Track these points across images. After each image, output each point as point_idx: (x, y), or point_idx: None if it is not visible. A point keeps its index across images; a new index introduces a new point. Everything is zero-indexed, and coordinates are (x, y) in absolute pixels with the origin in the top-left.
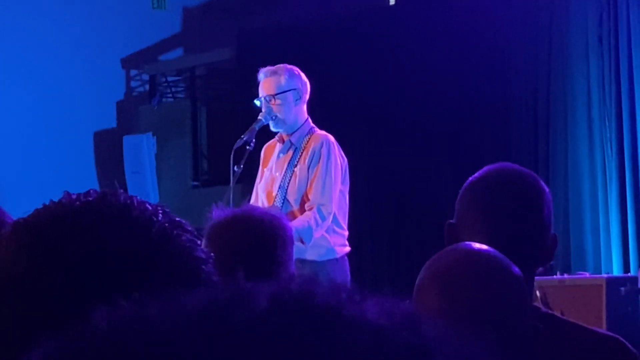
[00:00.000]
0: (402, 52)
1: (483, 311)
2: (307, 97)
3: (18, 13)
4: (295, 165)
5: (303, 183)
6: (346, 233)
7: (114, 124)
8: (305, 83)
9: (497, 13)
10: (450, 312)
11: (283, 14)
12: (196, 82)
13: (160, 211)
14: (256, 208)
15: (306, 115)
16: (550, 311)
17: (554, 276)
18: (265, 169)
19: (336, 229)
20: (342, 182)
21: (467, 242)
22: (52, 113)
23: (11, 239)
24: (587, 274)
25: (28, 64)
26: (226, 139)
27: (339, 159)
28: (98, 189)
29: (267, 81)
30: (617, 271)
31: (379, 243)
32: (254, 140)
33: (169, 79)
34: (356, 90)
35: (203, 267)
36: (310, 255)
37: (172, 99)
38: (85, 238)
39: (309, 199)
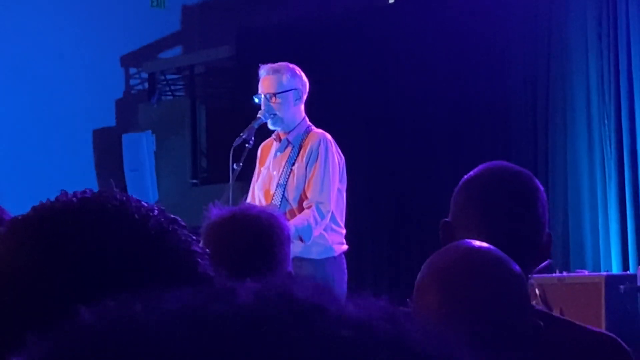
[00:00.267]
0: (401, 51)
1: (484, 309)
2: (306, 97)
3: (17, 11)
4: (293, 164)
5: (301, 181)
6: (344, 231)
7: (113, 122)
8: (305, 83)
9: (497, 11)
10: (451, 310)
11: (282, 13)
12: (195, 80)
13: (156, 208)
14: (253, 207)
15: (303, 114)
16: (544, 309)
17: (553, 274)
18: (262, 168)
19: (334, 227)
20: (340, 181)
21: (467, 240)
22: (51, 111)
23: (8, 236)
24: (586, 272)
25: (27, 62)
26: (225, 137)
27: (336, 157)
28: (97, 187)
29: (269, 79)
30: (616, 269)
31: (378, 242)
32: (253, 138)
33: (168, 77)
34: (355, 88)
35: (200, 261)
36: (309, 253)
37: (171, 97)
38: (82, 235)
39: (307, 197)
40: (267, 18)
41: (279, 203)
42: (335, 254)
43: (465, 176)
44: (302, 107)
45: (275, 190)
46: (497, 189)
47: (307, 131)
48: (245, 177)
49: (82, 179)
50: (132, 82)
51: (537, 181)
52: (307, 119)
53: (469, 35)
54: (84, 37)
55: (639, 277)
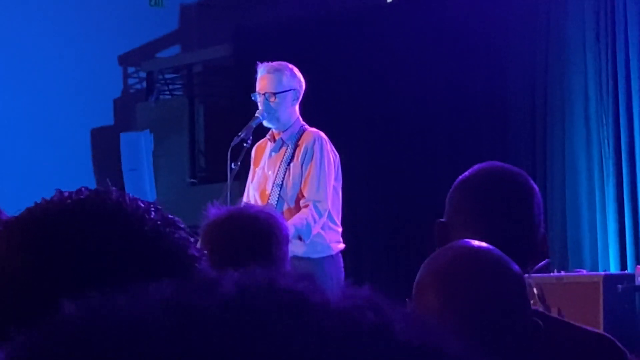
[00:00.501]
0: (399, 50)
1: (483, 309)
2: (302, 97)
3: (15, 11)
4: (289, 163)
5: (297, 180)
6: (340, 229)
7: (111, 121)
8: (303, 83)
9: (495, 10)
10: (450, 310)
11: (280, 12)
12: (193, 79)
13: (153, 209)
14: (252, 206)
15: (298, 114)
16: (542, 309)
17: (552, 274)
18: (257, 168)
19: (331, 225)
20: (335, 179)
21: (466, 240)
22: (49, 110)
23: (3, 236)
24: (585, 272)
25: (25, 62)
26: (223, 136)
27: (331, 155)
28: (95, 186)
29: (269, 78)
30: (614, 268)
31: (377, 241)
32: (251, 137)
33: (166, 76)
34: (353, 87)
35: (196, 264)
36: (306, 252)
37: (169, 96)
38: (77, 236)
39: (303, 196)
40: (265, 17)
41: (276, 203)
42: (333, 253)
43: (460, 176)
44: (297, 107)
45: (272, 190)
46: (492, 189)
47: (302, 130)
48: (244, 177)
49: (80, 178)
50: (130, 81)
51: (531, 181)
52: (300, 118)
53: (467, 35)
54: (82, 36)
55: (637, 277)
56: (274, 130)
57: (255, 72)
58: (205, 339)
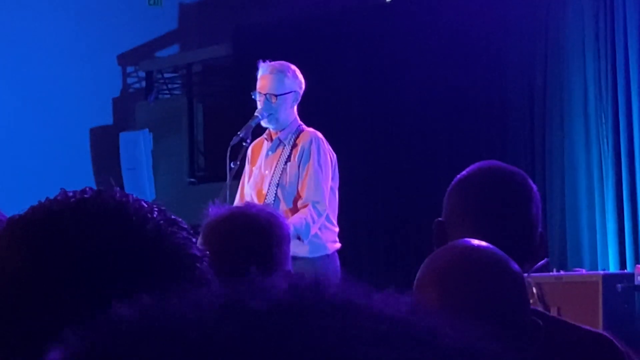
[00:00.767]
0: (398, 50)
1: (483, 308)
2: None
3: (14, 10)
4: (286, 163)
5: (294, 180)
6: (337, 229)
7: (110, 121)
8: (303, 85)
9: (494, 10)
10: (450, 309)
11: (279, 11)
12: (192, 78)
13: (156, 209)
14: (253, 206)
15: (296, 114)
16: (541, 308)
17: (551, 273)
18: (253, 168)
19: (328, 225)
20: (332, 178)
21: (466, 239)
22: (48, 110)
23: (6, 236)
24: (584, 271)
25: (24, 61)
26: (222, 136)
27: (328, 155)
28: (94, 185)
29: (271, 78)
30: (613, 268)
31: (376, 241)
32: (250, 136)
33: (165, 75)
34: (352, 87)
35: (197, 264)
36: (303, 252)
37: (168, 96)
38: (79, 235)
39: (301, 197)
40: (264, 16)
41: (272, 202)
42: (329, 252)
43: (458, 175)
44: (296, 107)
45: (268, 189)
46: (490, 189)
47: (299, 130)
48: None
49: (80, 177)
50: (129, 80)
51: (530, 181)
52: (298, 118)
53: (466, 35)
54: (81, 36)
55: (636, 276)
56: (271, 130)
57: (255, 71)
58: (266, 342)
